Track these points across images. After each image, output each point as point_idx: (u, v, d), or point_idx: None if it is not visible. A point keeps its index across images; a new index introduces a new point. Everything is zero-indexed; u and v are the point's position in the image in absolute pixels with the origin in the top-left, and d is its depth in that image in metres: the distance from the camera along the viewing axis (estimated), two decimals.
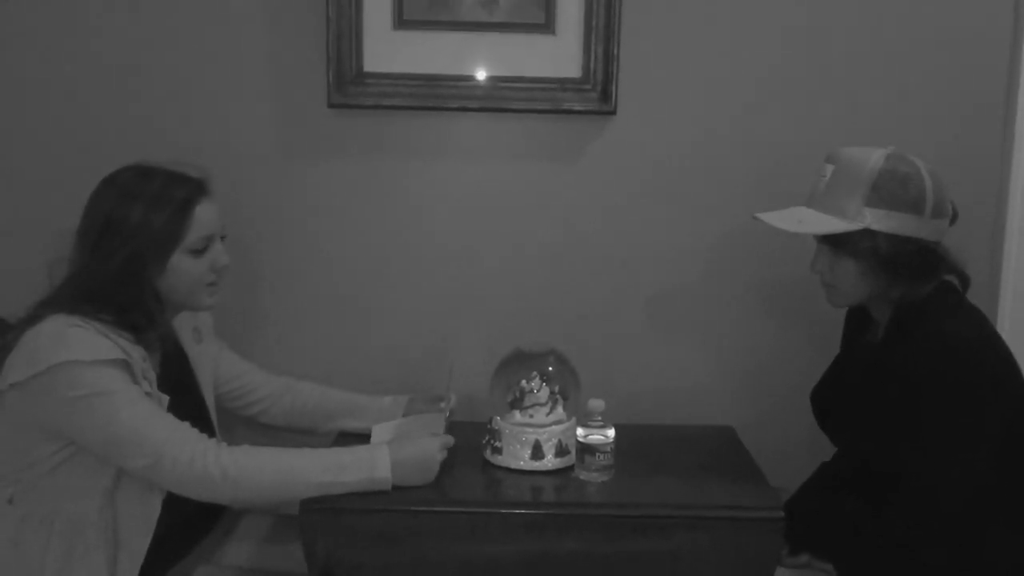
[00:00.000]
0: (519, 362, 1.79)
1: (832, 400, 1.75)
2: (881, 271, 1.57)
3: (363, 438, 1.77)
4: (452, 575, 1.57)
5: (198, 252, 1.60)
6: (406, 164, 2.05)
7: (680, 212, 2.05)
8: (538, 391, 1.74)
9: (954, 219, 1.62)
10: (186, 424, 1.54)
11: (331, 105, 1.99)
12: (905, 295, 1.59)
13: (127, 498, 1.55)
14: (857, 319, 1.78)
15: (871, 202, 1.54)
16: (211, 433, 1.66)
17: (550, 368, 1.77)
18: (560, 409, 1.75)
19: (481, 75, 1.99)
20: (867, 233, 1.55)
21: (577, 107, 1.99)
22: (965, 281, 1.63)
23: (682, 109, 2.02)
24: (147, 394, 1.53)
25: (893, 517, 1.54)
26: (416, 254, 2.08)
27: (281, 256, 2.08)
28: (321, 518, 1.57)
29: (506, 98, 1.99)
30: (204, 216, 1.60)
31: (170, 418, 1.53)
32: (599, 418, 1.68)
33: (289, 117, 2.03)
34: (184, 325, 1.76)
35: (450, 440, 1.67)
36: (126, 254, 1.54)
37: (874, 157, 1.56)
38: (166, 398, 1.58)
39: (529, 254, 2.08)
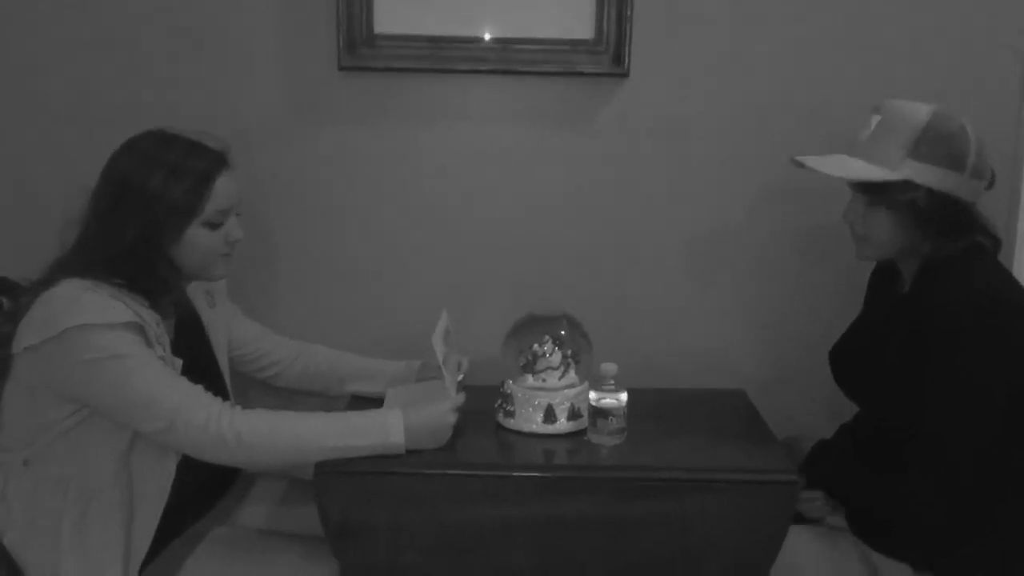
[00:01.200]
0: (532, 326, 1.79)
1: (852, 357, 1.75)
2: (914, 225, 1.57)
3: (376, 402, 1.78)
4: (465, 537, 1.58)
5: (214, 225, 1.59)
6: (417, 127, 2.03)
7: (692, 176, 2.04)
8: (551, 355, 1.74)
9: (992, 183, 1.61)
10: (200, 387, 1.54)
11: (341, 68, 1.98)
12: (935, 252, 1.59)
13: (142, 461, 1.56)
14: (882, 279, 1.77)
15: (915, 155, 1.54)
16: (225, 397, 1.67)
17: (562, 332, 1.77)
18: (572, 373, 1.75)
19: (492, 37, 1.97)
20: (907, 185, 1.55)
21: (589, 69, 1.97)
22: (996, 243, 1.63)
23: (696, 71, 2.00)
24: (161, 358, 1.53)
25: (911, 472, 1.54)
26: (428, 218, 2.08)
27: (292, 220, 2.07)
28: (335, 481, 1.58)
29: (518, 60, 1.97)
30: (223, 190, 1.59)
31: (184, 381, 1.54)
32: (611, 382, 1.68)
33: (299, 80, 2.02)
34: (197, 290, 1.76)
35: (461, 398, 1.67)
36: (143, 222, 1.54)
37: (922, 111, 1.56)
38: (180, 362, 1.58)
39: (541, 218, 2.07)
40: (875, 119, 1.61)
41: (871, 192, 1.59)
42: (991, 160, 1.59)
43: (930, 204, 1.55)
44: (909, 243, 1.60)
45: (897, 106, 1.59)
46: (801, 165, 1.67)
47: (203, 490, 1.74)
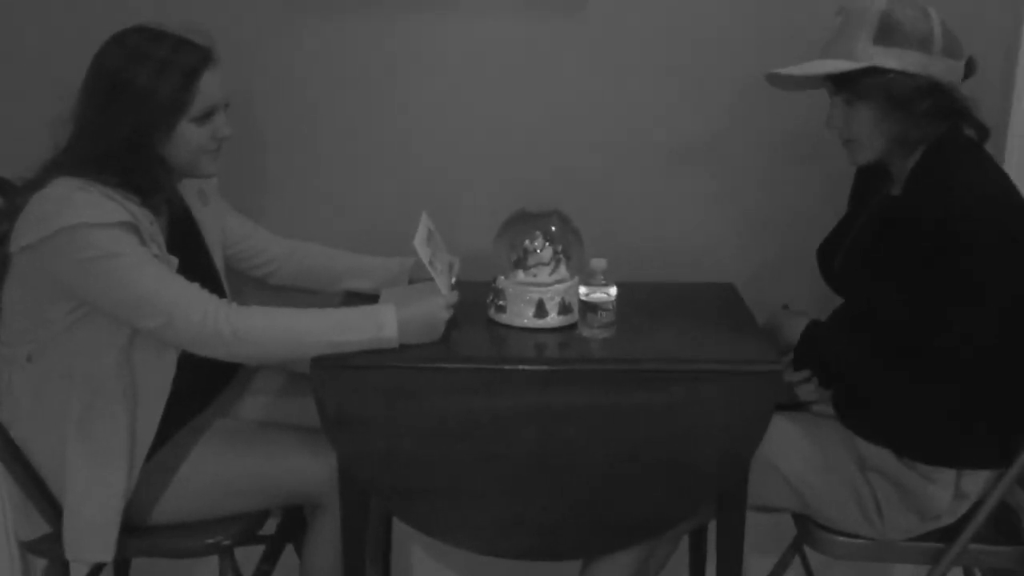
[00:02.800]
0: (523, 222, 1.80)
1: (842, 254, 1.77)
2: (893, 112, 1.58)
3: (370, 299, 1.80)
4: (458, 428, 1.63)
5: (201, 120, 1.59)
6: (404, 22, 2.00)
7: (685, 69, 2.02)
8: (541, 251, 1.76)
9: (971, 70, 1.61)
10: (196, 285, 1.57)
11: None
12: (924, 142, 1.60)
13: (143, 355, 1.60)
14: (869, 177, 1.78)
15: (878, 40, 1.55)
16: (221, 294, 1.70)
17: (553, 228, 1.78)
18: (563, 268, 1.77)
19: None
20: (875, 71, 1.55)
21: None
22: (983, 132, 1.63)
23: None
24: (156, 256, 1.55)
25: (910, 358, 1.58)
26: (420, 113, 2.06)
27: (283, 116, 2.06)
28: (331, 374, 1.62)
29: None
30: (209, 85, 1.58)
31: (180, 279, 1.56)
32: (601, 277, 1.70)
33: None
34: (190, 188, 1.77)
35: (454, 297, 1.69)
36: (132, 120, 1.54)
37: (879, 0, 1.57)
38: (175, 260, 1.60)
39: (533, 113, 2.06)
40: (838, 20, 1.62)
41: (845, 89, 1.60)
42: (965, 44, 1.59)
43: (904, 86, 1.55)
44: (895, 133, 1.60)
45: (856, 2, 1.60)
46: (776, 76, 1.67)
47: (204, 383, 1.78)
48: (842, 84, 1.60)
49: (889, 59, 1.55)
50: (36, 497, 1.62)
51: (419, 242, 1.68)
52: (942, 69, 1.56)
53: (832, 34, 1.62)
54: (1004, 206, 1.54)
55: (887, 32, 1.55)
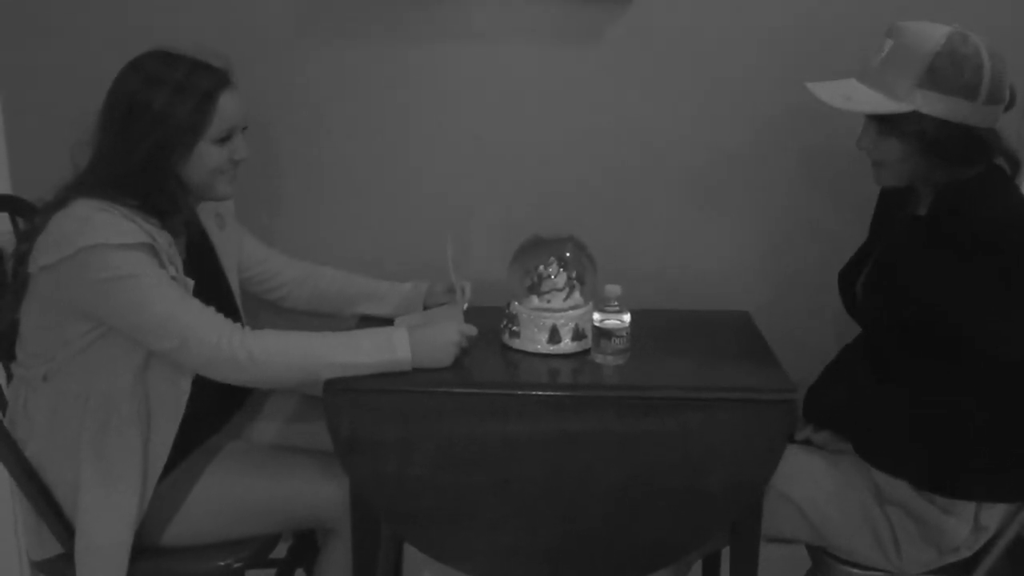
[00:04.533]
0: (537, 248, 1.81)
1: (863, 279, 1.75)
2: (925, 154, 1.55)
3: (384, 323, 1.81)
4: (470, 453, 1.63)
5: (220, 142, 1.61)
6: (424, 48, 2.02)
7: (698, 96, 2.03)
8: (556, 276, 1.76)
9: (1011, 104, 1.58)
10: (211, 308, 1.58)
11: None
12: (951, 178, 1.58)
13: (158, 377, 1.61)
14: (893, 200, 1.76)
15: (924, 83, 1.50)
16: (236, 317, 1.70)
17: (568, 254, 1.79)
18: (577, 294, 1.77)
19: None
20: (915, 116, 1.52)
21: None
22: (1015, 164, 1.61)
23: None
24: (173, 278, 1.56)
25: (933, 389, 1.57)
26: (435, 138, 2.08)
27: (297, 142, 2.08)
28: (344, 398, 1.62)
29: None
30: (227, 107, 1.60)
31: (196, 302, 1.57)
32: (615, 303, 1.70)
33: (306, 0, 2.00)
34: (207, 212, 1.78)
35: (471, 329, 1.70)
36: (150, 142, 1.55)
37: (935, 36, 1.51)
38: (191, 282, 1.61)
39: (547, 139, 2.07)
40: (888, 43, 1.56)
41: (881, 121, 1.57)
42: (1009, 79, 1.55)
43: (939, 134, 1.52)
44: (921, 170, 1.59)
45: (911, 30, 1.54)
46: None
47: (217, 406, 1.79)
48: (880, 116, 1.57)
49: (930, 105, 1.51)
50: (48, 517, 1.63)
51: (452, 269, 1.69)
52: (982, 117, 1.52)
53: (877, 60, 1.56)
54: None
55: (935, 77, 1.50)
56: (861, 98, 1.57)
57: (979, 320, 1.52)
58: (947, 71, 1.49)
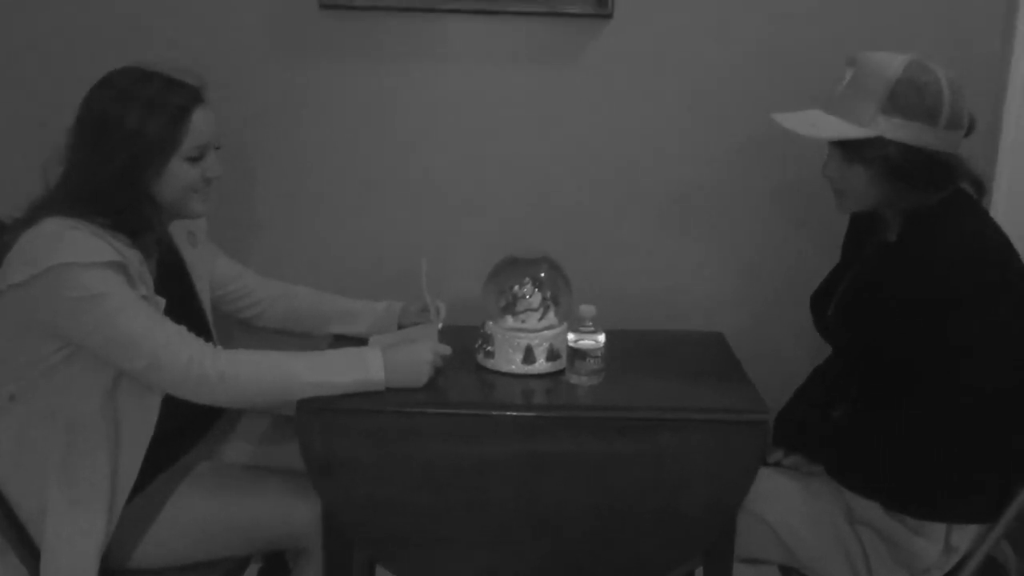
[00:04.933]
0: (512, 268, 1.81)
1: (834, 302, 1.77)
2: (890, 180, 1.57)
3: (357, 343, 1.80)
4: (444, 473, 1.62)
5: (193, 161, 1.60)
6: (398, 67, 2.02)
7: (674, 120, 2.04)
8: (530, 297, 1.76)
9: (970, 130, 1.60)
10: (183, 327, 1.56)
11: (323, 6, 1.97)
12: (916, 203, 1.60)
13: (127, 397, 1.59)
14: (863, 224, 1.78)
15: (886, 110, 1.53)
16: (208, 337, 1.69)
17: (542, 274, 1.79)
18: (552, 315, 1.77)
19: None
20: (879, 141, 1.54)
21: (573, 10, 1.96)
22: (980, 188, 1.63)
23: (680, 15, 1.99)
24: (144, 297, 1.55)
25: (905, 410, 1.58)
26: (409, 158, 2.08)
27: (272, 161, 2.07)
28: (317, 418, 1.61)
29: (501, 0, 1.95)
30: (200, 124, 1.59)
31: (167, 321, 1.55)
32: (590, 323, 1.70)
33: (280, 18, 2.00)
34: (179, 230, 1.77)
35: (446, 349, 1.69)
36: (122, 159, 1.54)
37: (894, 64, 1.54)
38: (163, 301, 1.60)
39: (522, 159, 2.07)
40: (848, 72, 1.59)
41: (845, 148, 1.59)
42: (970, 106, 1.59)
43: (903, 159, 1.54)
44: (886, 196, 1.61)
45: (871, 59, 1.57)
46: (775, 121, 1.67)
47: (188, 425, 1.77)
48: (841, 144, 1.59)
49: (894, 130, 1.53)
50: (14, 541, 1.60)
51: (424, 288, 1.69)
52: (945, 142, 1.55)
53: (839, 88, 1.59)
54: (996, 258, 1.55)
55: (897, 102, 1.52)
56: (826, 126, 1.59)
57: (932, 364, 1.54)
58: (908, 97, 1.52)
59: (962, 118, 1.57)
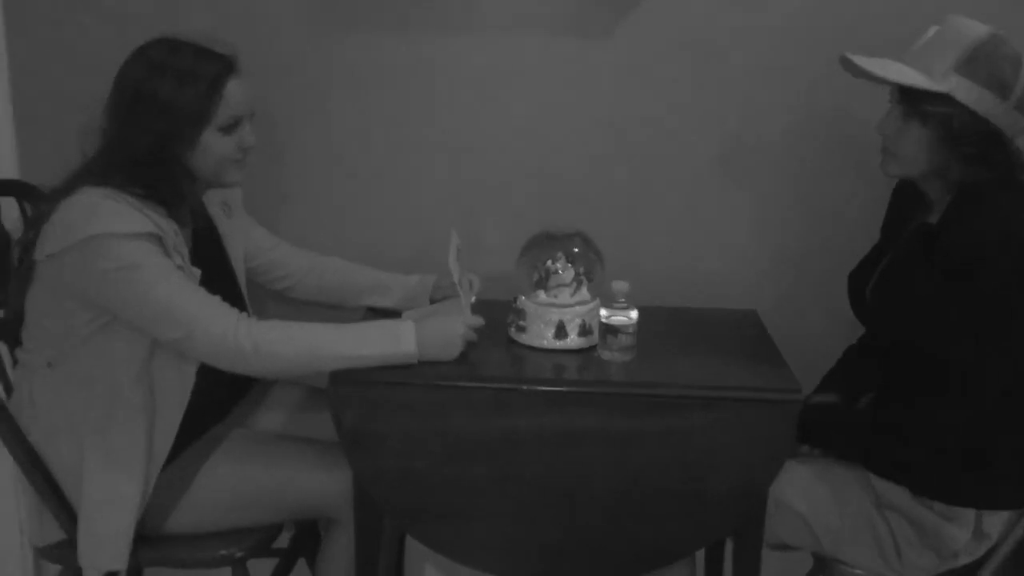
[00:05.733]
0: (545, 243, 1.80)
1: (873, 282, 1.74)
2: (945, 144, 1.55)
3: (390, 315, 1.80)
4: (474, 448, 1.62)
5: (228, 130, 1.60)
6: (432, 38, 2.01)
7: (709, 93, 2.02)
8: (563, 272, 1.76)
9: None
10: (217, 298, 1.57)
11: None
12: (962, 178, 1.57)
13: (163, 365, 1.61)
14: (906, 204, 1.75)
15: (961, 70, 1.51)
16: (242, 307, 1.70)
17: (575, 249, 1.78)
18: (584, 290, 1.77)
19: None
20: (946, 99, 1.51)
21: None
22: None
23: None
24: (179, 268, 1.56)
25: (931, 397, 1.56)
26: (444, 130, 2.07)
27: (303, 132, 2.08)
28: (349, 390, 1.62)
29: None
30: (234, 94, 1.59)
31: (202, 292, 1.57)
32: (623, 300, 1.69)
33: None
34: (214, 200, 1.78)
35: (478, 321, 1.69)
36: (156, 130, 1.55)
37: (981, 28, 1.53)
38: (198, 272, 1.61)
39: (557, 133, 2.06)
40: (933, 29, 1.57)
41: (909, 101, 1.56)
42: None
43: (964, 125, 1.51)
44: (936, 163, 1.57)
45: (956, 20, 1.56)
46: (849, 65, 1.63)
47: (222, 395, 1.79)
48: (907, 96, 1.57)
49: (963, 91, 1.50)
50: (51, 503, 1.63)
51: (451, 261, 1.70)
52: (1009, 121, 1.52)
53: (920, 42, 1.57)
54: None
55: (973, 63, 1.50)
56: (897, 72, 1.56)
57: (968, 347, 1.52)
58: (986, 62, 1.50)
59: None
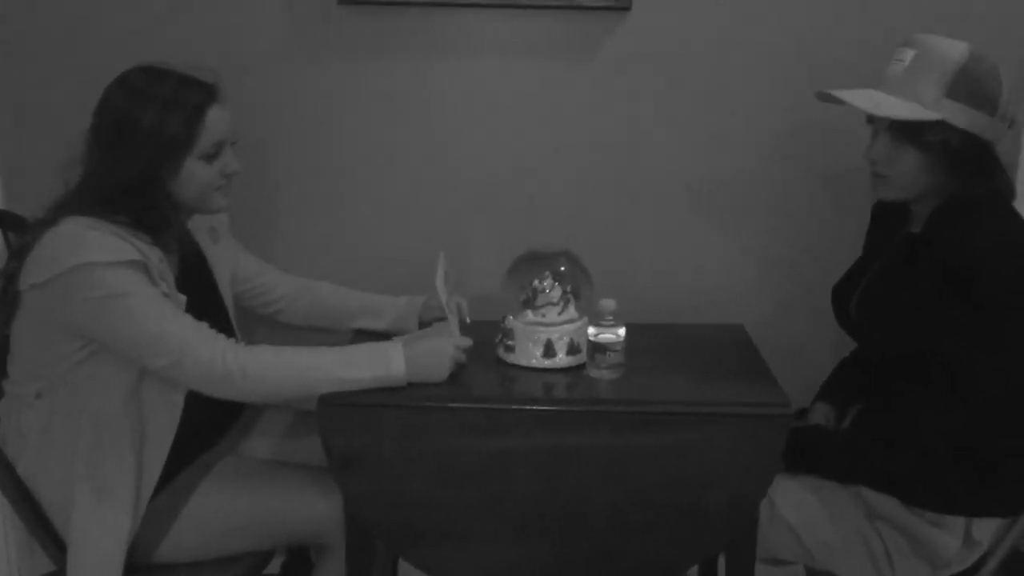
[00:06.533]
0: (532, 262, 1.80)
1: (857, 295, 1.75)
2: (943, 166, 1.56)
3: (379, 338, 1.80)
4: (465, 469, 1.62)
5: (210, 157, 1.60)
6: (416, 61, 2.02)
7: (693, 113, 2.03)
8: (550, 291, 1.76)
9: (1011, 125, 1.59)
10: (205, 324, 1.57)
11: (341, 1, 1.96)
12: (955, 193, 1.57)
13: (151, 394, 1.60)
14: (887, 217, 1.77)
15: (952, 94, 1.52)
16: (230, 332, 1.70)
17: (563, 268, 1.78)
18: (572, 308, 1.77)
19: None
20: (942, 126, 1.52)
21: (591, 3, 1.95)
22: (1011, 190, 1.62)
23: (700, 5, 1.97)
24: (165, 295, 1.55)
25: (920, 406, 1.57)
26: (428, 153, 2.08)
27: (290, 157, 2.08)
28: (339, 413, 1.61)
29: None
30: (215, 121, 1.59)
31: (189, 318, 1.56)
32: (610, 317, 1.69)
33: (299, 14, 2.00)
34: (201, 226, 1.78)
35: (467, 342, 1.69)
36: (139, 159, 1.55)
37: (959, 49, 1.53)
38: (183, 298, 1.60)
39: (542, 153, 2.07)
40: (908, 53, 1.57)
41: (902, 130, 1.56)
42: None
43: (962, 146, 1.53)
44: (933, 184, 1.58)
45: (932, 41, 1.56)
46: (828, 98, 1.64)
47: (211, 422, 1.78)
48: (899, 124, 1.56)
49: (956, 116, 1.51)
50: (40, 535, 1.62)
51: (439, 283, 1.70)
52: (997, 133, 1.55)
53: (899, 68, 1.57)
54: None
55: (963, 87, 1.51)
56: (889, 105, 1.56)
57: (957, 352, 1.52)
58: (972, 82, 1.51)
59: (1011, 110, 1.55)
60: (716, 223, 2.09)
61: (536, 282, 1.76)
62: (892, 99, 1.56)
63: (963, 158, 1.54)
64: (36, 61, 2.03)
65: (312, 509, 1.68)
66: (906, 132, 1.56)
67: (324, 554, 1.74)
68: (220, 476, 1.71)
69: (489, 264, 1.89)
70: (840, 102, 1.61)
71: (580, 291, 1.78)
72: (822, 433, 1.75)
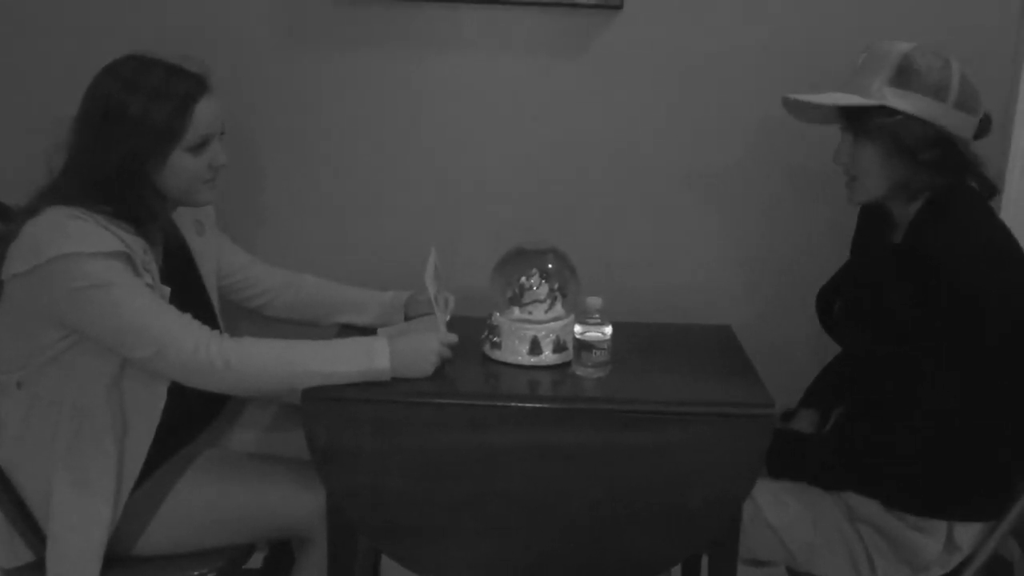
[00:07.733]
0: (519, 259, 1.80)
1: (841, 300, 1.76)
2: (898, 156, 1.57)
3: (364, 332, 1.80)
4: (448, 464, 1.62)
5: (197, 149, 1.59)
6: (410, 57, 2.02)
7: (683, 112, 2.03)
8: (537, 288, 1.76)
9: (986, 128, 1.61)
10: (188, 315, 1.56)
11: None
12: (928, 191, 1.59)
13: (133, 385, 1.59)
14: (872, 222, 1.78)
15: (893, 82, 1.55)
16: (214, 325, 1.69)
17: (550, 265, 1.78)
18: (559, 306, 1.77)
19: None
20: (885, 111, 1.55)
21: (583, 0, 1.95)
22: (990, 189, 1.63)
23: (690, 4, 1.97)
24: (149, 286, 1.55)
25: (902, 410, 1.57)
26: (418, 148, 2.07)
27: (280, 150, 2.07)
28: (322, 406, 1.61)
29: None
30: (204, 113, 1.58)
31: (172, 310, 1.55)
32: (597, 315, 1.69)
33: (292, 7, 1.99)
34: (186, 218, 1.77)
35: (452, 338, 1.69)
36: (125, 149, 1.54)
37: (902, 45, 1.58)
38: (167, 290, 1.60)
39: (531, 150, 2.06)
40: (862, 56, 1.62)
41: (854, 123, 1.60)
42: (985, 102, 1.59)
43: (912, 132, 1.55)
44: (897, 177, 1.60)
45: (881, 43, 1.61)
46: (791, 102, 1.68)
47: (194, 414, 1.77)
48: (852, 120, 1.61)
49: (900, 101, 1.55)
50: (20, 525, 1.61)
51: (428, 278, 1.70)
52: (954, 122, 1.56)
53: (853, 71, 1.62)
54: (1005, 260, 1.54)
55: (904, 75, 1.55)
56: (833, 96, 1.61)
57: (938, 364, 1.53)
58: (915, 70, 1.55)
59: (974, 103, 1.57)
60: (705, 222, 2.09)
61: (523, 279, 1.76)
62: (837, 93, 1.61)
63: (915, 144, 1.56)
64: (21, 50, 2.02)
65: (294, 503, 1.68)
66: (855, 125, 1.60)
67: (306, 548, 1.74)
68: (202, 469, 1.71)
69: (477, 260, 1.88)
70: (799, 108, 1.67)
71: (567, 289, 1.78)
72: (804, 439, 1.75)
